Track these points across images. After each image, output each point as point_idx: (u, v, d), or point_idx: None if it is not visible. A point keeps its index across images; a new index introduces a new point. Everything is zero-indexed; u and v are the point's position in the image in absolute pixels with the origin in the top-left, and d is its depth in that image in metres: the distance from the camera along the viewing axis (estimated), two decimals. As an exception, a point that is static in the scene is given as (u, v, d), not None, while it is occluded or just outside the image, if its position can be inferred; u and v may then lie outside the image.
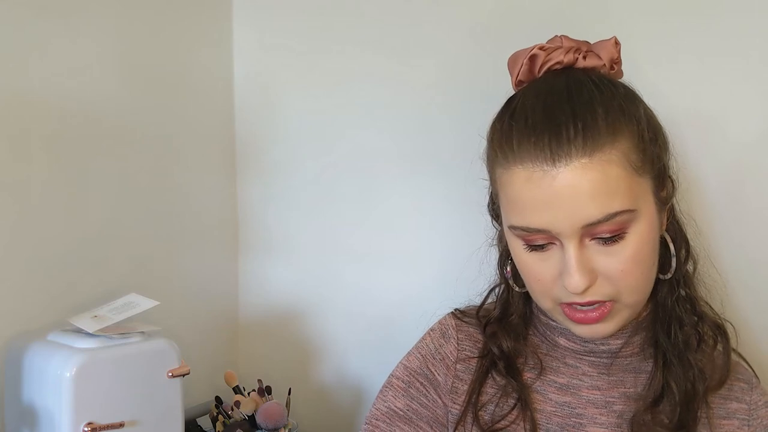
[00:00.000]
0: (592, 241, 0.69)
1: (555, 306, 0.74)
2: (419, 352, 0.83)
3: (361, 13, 1.22)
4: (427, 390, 0.80)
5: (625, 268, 0.69)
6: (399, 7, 1.19)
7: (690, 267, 0.79)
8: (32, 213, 0.96)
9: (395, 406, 0.79)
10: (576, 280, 0.68)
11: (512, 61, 0.77)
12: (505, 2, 1.11)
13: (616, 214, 0.66)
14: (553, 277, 0.71)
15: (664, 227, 0.76)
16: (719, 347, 0.77)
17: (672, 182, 0.76)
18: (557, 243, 0.70)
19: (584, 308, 0.71)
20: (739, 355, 0.80)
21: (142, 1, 1.13)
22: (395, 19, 1.19)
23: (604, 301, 0.70)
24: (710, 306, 0.80)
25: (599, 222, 0.67)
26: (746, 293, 0.97)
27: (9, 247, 0.93)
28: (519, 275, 0.78)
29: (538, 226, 0.69)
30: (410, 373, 0.81)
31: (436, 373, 0.81)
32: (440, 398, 0.80)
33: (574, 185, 0.66)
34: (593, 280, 0.69)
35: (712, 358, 0.76)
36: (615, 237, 0.68)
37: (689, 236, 0.81)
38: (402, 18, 1.18)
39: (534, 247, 0.71)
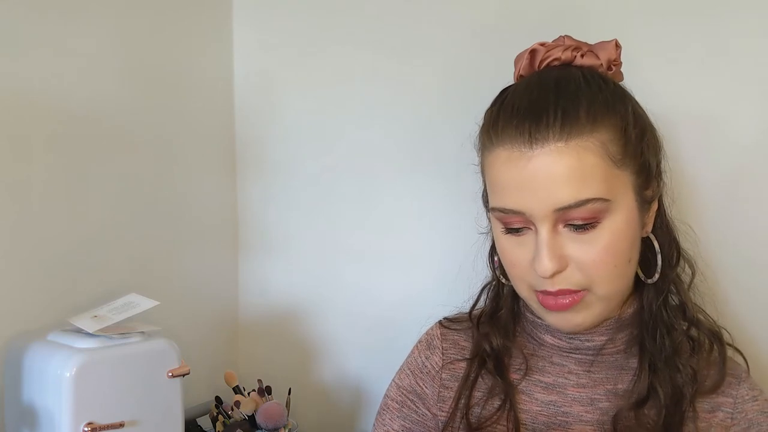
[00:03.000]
0: (565, 228, 0.70)
1: (531, 294, 0.74)
2: (409, 368, 0.86)
3: (361, 13, 1.22)
4: (417, 406, 0.83)
5: (597, 258, 0.69)
6: (399, 7, 1.19)
7: (682, 272, 0.79)
8: (32, 213, 0.96)
9: (393, 429, 0.83)
10: (544, 263, 0.69)
11: (517, 59, 0.79)
12: (507, 3, 1.11)
13: (588, 200, 0.68)
14: (529, 263, 0.72)
15: (649, 228, 0.76)
16: (715, 353, 0.77)
17: (658, 183, 0.76)
18: (533, 228, 0.71)
19: (555, 296, 0.72)
20: (735, 350, 0.80)
21: (142, 1, 1.13)
22: (396, 18, 1.19)
23: (576, 290, 0.71)
24: (705, 312, 0.80)
25: (570, 207, 0.68)
26: (741, 295, 0.97)
27: (9, 247, 0.93)
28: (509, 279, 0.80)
29: (514, 207, 0.70)
30: (402, 393, 0.85)
31: (424, 387, 0.84)
32: (429, 410, 0.83)
33: (548, 168, 0.68)
34: (563, 266, 0.70)
35: (708, 362, 0.76)
36: (587, 225, 0.69)
37: (687, 243, 0.81)
38: (402, 18, 1.18)
39: (512, 231, 0.73)
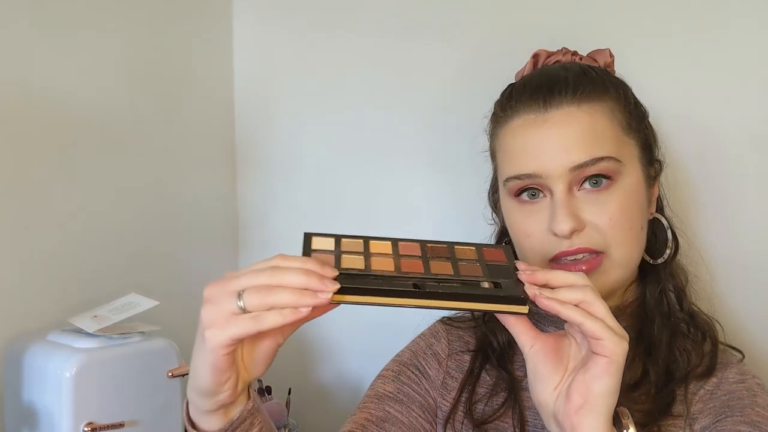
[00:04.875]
0: (581, 191, 0.72)
1: (545, 266, 0.74)
2: (410, 349, 0.85)
3: (362, 13, 1.22)
4: (419, 379, 0.81)
5: (613, 217, 0.71)
6: (401, 9, 1.19)
7: (681, 272, 0.81)
8: (32, 213, 0.96)
9: (384, 390, 0.80)
10: (562, 221, 0.70)
11: (518, 72, 0.85)
12: (510, 8, 1.11)
13: (601, 158, 0.71)
14: (543, 230, 0.73)
15: (653, 209, 0.79)
16: (708, 344, 0.77)
17: (659, 166, 0.80)
18: (547, 195, 0.73)
19: (573, 261, 0.72)
20: (728, 346, 0.80)
21: (142, 2, 1.13)
22: (397, 20, 1.19)
23: (594, 251, 0.71)
24: (699, 308, 0.81)
25: (585, 165, 0.71)
26: (733, 292, 0.97)
27: (9, 247, 0.93)
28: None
29: (530, 171, 0.73)
30: (400, 364, 0.83)
31: (427, 367, 0.82)
32: (431, 391, 0.81)
33: (562, 128, 0.72)
34: (581, 225, 0.71)
35: (701, 352, 0.77)
36: (601, 182, 0.72)
37: (682, 246, 0.82)
38: (405, 19, 1.18)
39: (525, 201, 0.75)
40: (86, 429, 0.82)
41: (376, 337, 1.22)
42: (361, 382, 1.25)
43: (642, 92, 0.81)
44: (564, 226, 0.70)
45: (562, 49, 0.82)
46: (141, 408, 0.88)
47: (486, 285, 0.59)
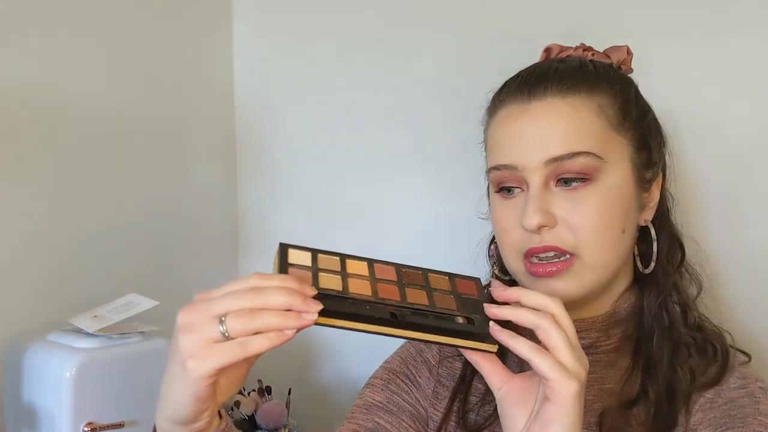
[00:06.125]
0: (557, 188, 0.70)
1: (520, 264, 0.72)
2: (399, 356, 0.83)
3: (361, 12, 1.22)
4: (409, 388, 0.80)
5: (586, 217, 0.68)
6: (402, 9, 1.19)
7: (689, 286, 0.78)
8: (32, 212, 0.96)
9: (373, 400, 0.78)
10: (530, 215, 0.68)
11: None
12: (512, 7, 1.11)
13: (580, 153, 0.68)
14: (517, 226, 0.71)
15: (647, 216, 0.75)
16: (717, 356, 0.73)
17: (659, 170, 0.76)
18: (524, 189, 0.71)
19: (543, 261, 0.70)
20: (738, 350, 0.76)
21: (142, 2, 1.13)
22: (396, 19, 1.19)
23: (565, 252, 0.69)
24: (709, 320, 0.77)
25: (562, 158, 0.68)
26: (743, 295, 0.97)
27: (9, 246, 0.93)
28: (501, 256, 0.78)
29: (507, 162, 0.71)
30: (389, 372, 0.81)
31: (417, 376, 0.81)
32: (421, 401, 0.79)
33: (542, 119, 0.70)
34: (551, 222, 0.69)
35: (707, 364, 0.73)
36: (579, 180, 0.69)
37: (693, 258, 0.80)
38: (403, 18, 1.18)
39: (504, 191, 0.73)
40: (86, 429, 0.83)
41: (376, 337, 1.22)
42: (361, 383, 1.24)
43: (642, 92, 0.79)
44: (531, 220, 0.68)
45: (580, 45, 0.79)
46: (141, 408, 0.88)
47: (460, 320, 0.59)
